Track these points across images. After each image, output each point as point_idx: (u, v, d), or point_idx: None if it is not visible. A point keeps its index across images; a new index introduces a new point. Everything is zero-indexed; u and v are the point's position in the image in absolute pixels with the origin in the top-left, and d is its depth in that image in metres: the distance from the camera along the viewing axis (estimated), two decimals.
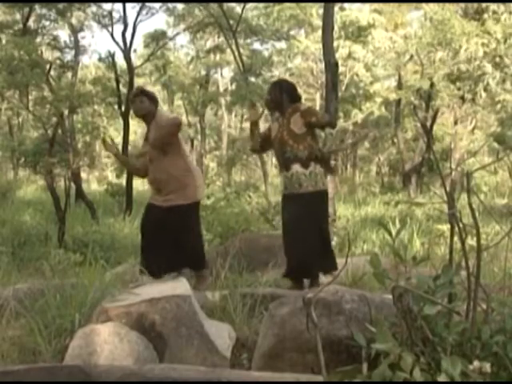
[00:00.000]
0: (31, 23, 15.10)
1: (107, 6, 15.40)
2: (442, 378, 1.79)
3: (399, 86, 19.21)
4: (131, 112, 14.81)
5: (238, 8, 17.14)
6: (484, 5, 14.62)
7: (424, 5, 16.34)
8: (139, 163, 4.86)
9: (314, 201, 4.48)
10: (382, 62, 19.59)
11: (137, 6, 15.63)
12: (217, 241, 7.57)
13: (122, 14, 14.99)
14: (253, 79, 18.44)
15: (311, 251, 4.37)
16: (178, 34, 19.96)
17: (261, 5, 19.77)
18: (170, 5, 17.36)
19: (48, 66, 12.24)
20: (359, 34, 18.47)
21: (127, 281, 4.40)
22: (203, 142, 25.71)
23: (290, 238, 4.42)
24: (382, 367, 1.87)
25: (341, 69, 14.10)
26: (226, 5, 16.15)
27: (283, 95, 4.64)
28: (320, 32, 13.13)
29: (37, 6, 14.02)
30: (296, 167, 4.50)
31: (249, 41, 20.51)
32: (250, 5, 19.28)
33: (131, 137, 14.27)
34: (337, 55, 11.00)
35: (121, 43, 14.83)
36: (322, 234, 4.49)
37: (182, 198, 4.56)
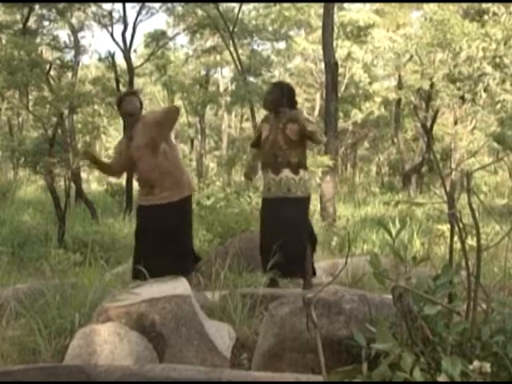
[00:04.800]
0: (31, 23, 15.08)
1: (107, 6, 15.42)
2: (442, 378, 1.79)
3: (399, 85, 19.21)
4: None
5: (236, 9, 17.14)
6: (485, 6, 14.60)
7: (424, 5, 16.34)
8: (112, 161, 4.85)
9: (302, 206, 4.65)
10: (382, 61, 19.60)
11: (137, 5, 15.64)
12: (217, 241, 7.57)
13: (121, 14, 15.01)
14: (252, 79, 18.43)
15: (299, 253, 4.52)
16: (177, 33, 19.96)
17: (260, 5, 19.77)
18: (170, 5, 17.35)
19: (48, 66, 12.22)
20: (358, 34, 18.48)
21: (127, 281, 4.39)
22: (203, 142, 25.69)
23: (277, 239, 4.42)
24: (381, 367, 1.87)
25: (340, 69, 14.11)
26: (223, 6, 16.15)
27: (284, 98, 4.69)
28: (319, 32, 13.15)
29: (37, 6, 14.01)
30: (286, 172, 4.61)
31: (248, 41, 20.51)
32: (248, 5, 19.28)
33: None
34: (336, 55, 11.00)
35: (121, 43, 14.85)
36: (306, 237, 4.66)
37: (178, 194, 4.57)
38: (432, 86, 16.22)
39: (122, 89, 14.37)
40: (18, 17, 14.85)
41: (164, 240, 4.43)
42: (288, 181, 4.60)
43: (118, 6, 18.66)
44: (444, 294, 2.08)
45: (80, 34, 18.23)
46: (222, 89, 25.12)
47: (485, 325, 2.01)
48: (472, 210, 2.06)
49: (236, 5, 17.30)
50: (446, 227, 7.65)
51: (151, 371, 2.06)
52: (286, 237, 4.44)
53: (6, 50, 11.32)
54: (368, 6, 20.14)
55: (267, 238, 4.57)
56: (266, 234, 4.64)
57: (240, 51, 17.12)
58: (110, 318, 2.74)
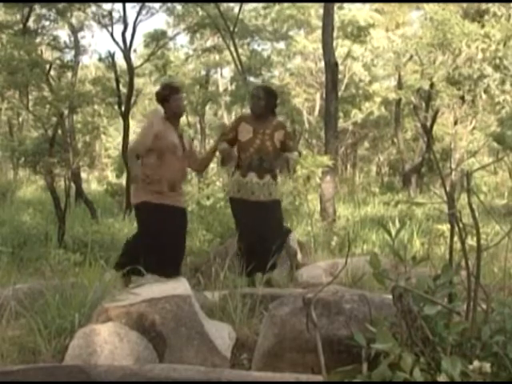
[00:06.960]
0: (31, 23, 15.06)
1: (107, 6, 15.38)
2: (442, 378, 1.79)
3: (399, 85, 19.18)
4: (131, 112, 14.80)
5: (236, 9, 17.12)
6: (484, 6, 14.58)
7: (424, 4, 16.31)
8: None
9: (279, 207, 5.04)
10: (382, 61, 19.56)
11: (137, 5, 15.61)
12: (217, 241, 7.57)
13: (121, 14, 14.97)
14: (252, 79, 18.42)
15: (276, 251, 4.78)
16: (177, 33, 19.94)
17: (259, 5, 19.75)
18: (170, 5, 17.33)
19: (48, 66, 12.22)
20: (358, 33, 18.45)
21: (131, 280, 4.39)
22: (203, 142, 25.68)
23: (260, 239, 4.68)
24: (381, 367, 1.87)
25: (340, 68, 14.10)
26: (224, 5, 16.13)
27: (273, 103, 4.88)
28: (319, 32, 13.14)
29: (37, 6, 14.00)
30: (268, 177, 4.85)
31: (248, 41, 20.50)
32: (248, 6, 19.26)
33: (131, 137, 14.26)
34: (336, 54, 10.98)
35: (121, 43, 14.82)
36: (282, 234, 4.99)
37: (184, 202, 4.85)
38: (432, 86, 16.20)
39: (122, 89, 14.35)
40: (18, 17, 14.84)
41: (178, 243, 4.56)
42: (269, 185, 4.86)
43: (118, 5, 18.63)
44: (444, 294, 2.08)
45: (80, 34, 18.24)
46: (221, 89, 25.11)
47: (485, 325, 2.01)
48: (472, 210, 2.06)
49: (236, 4, 17.29)
50: (445, 227, 7.63)
51: (151, 371, 2.06)
52: (276, 235, 4.73)
53: (5, 50, 11.31)
54: (368, 5, 20.11)
55: (262, 238, 4.70)
56: (257, 234, 4.74)
57: (240, 51, 17.09)
58: (109, 318, 2.74)
